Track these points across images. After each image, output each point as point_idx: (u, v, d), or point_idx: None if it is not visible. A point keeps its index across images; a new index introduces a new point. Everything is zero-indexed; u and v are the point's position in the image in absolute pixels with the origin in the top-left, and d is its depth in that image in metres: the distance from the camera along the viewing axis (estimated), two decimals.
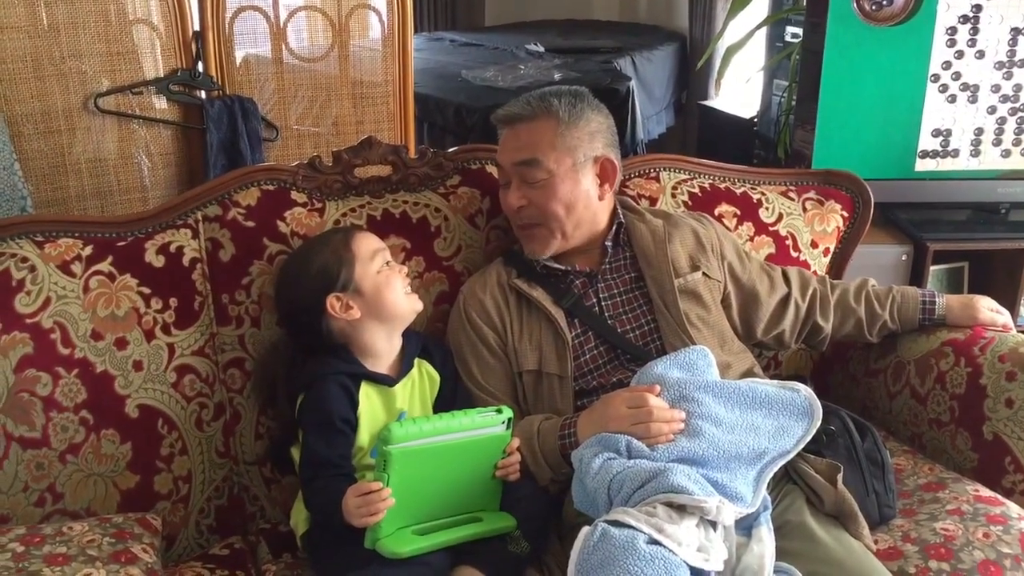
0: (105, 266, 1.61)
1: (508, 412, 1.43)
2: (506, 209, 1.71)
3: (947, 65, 2.45)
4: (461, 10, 6.16)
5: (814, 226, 2.00)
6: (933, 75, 2.45)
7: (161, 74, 2.57)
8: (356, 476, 1.48)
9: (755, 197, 1.98)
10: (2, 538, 1.38)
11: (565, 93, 1.69)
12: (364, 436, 1.51)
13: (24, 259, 1.57)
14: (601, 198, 1.70)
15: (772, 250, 1.95)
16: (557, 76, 4.27)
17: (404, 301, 1.58)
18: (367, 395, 1.53)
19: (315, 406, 1.50)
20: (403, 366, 1.59)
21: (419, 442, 1.35)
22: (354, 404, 1.51)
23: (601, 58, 4.66)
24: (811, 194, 2.03)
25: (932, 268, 2.55)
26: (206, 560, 1.61)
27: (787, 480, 1.50)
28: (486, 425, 1.41)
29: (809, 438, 1.46)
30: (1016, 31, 2.43)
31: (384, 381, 1.55)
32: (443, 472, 1.40)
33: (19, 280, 1.55)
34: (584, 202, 1.67)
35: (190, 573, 1.56)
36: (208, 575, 1.56)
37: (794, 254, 1.97)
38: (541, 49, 4.91)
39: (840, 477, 1.44)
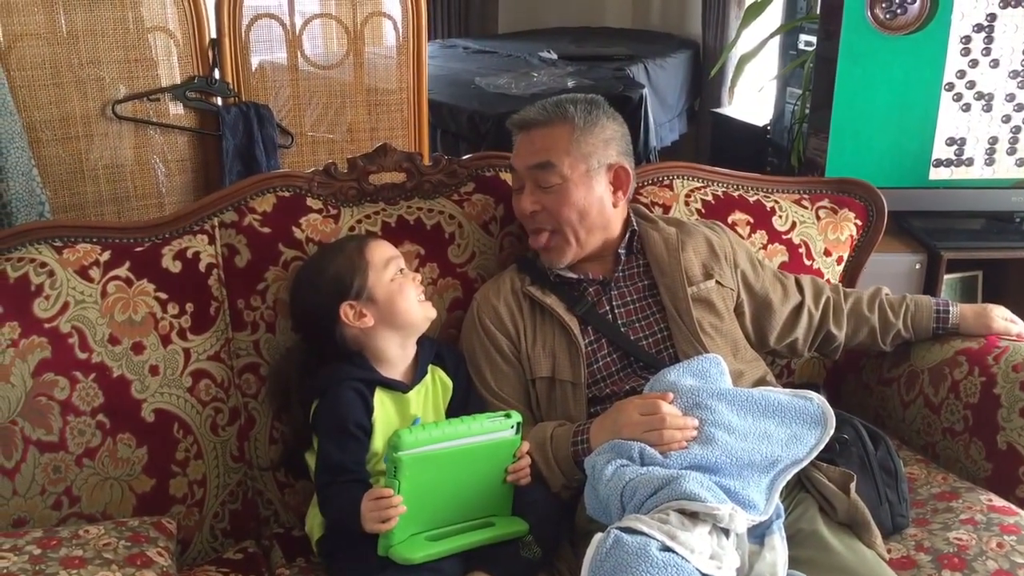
0: (122, 271, 1.63)
1: (517, 416, 1.43)
2: (519, 214, 1.72)
3: (961, 74, 2.45)
4: (474, 17, 6.18)
5: (827, 234, 2.00)
6: (947, 84, 2.45)
7: (178, 81, 2.59)
8: (371, 482, 1.49)
9: (768, 205, 1.99)
10: (19, 540, 1.39)
11: (581, 100, 1.70)
12: (378, 442, 1.52)
13: (43, 264, 1.59)
14: (615, 205, 1.71)
15: (785, 258, 1.95)
16: (570, 83, 4.28)
17: (417, 309, 1.59)
18: (381, 401, 1.54)
19: (330, 411, 1.50)
20: (417, 373, 1.60)
21: (429, 448, 1.36)
22: (369, 410, 1.52)
23: (614, 65, 4.67)
24: (825, 202, 2.03)
25: (946, 277, 2.55)
26: (220, 564, 1.62)
27: (800, 488, 1.50)
28: (496, 430, 1.42)
29: (822, 446, 1.46)
30: None
31: (398, 387, 1.56)
32: (454, 477, 1.41)
33: (38, 285, 1.57)
34: (597, 208, 1.68)
35: None
36: None
37: (807, 262, 1.97)
38: (554, 56, 4.92)
39: (853, 486, 1.44)
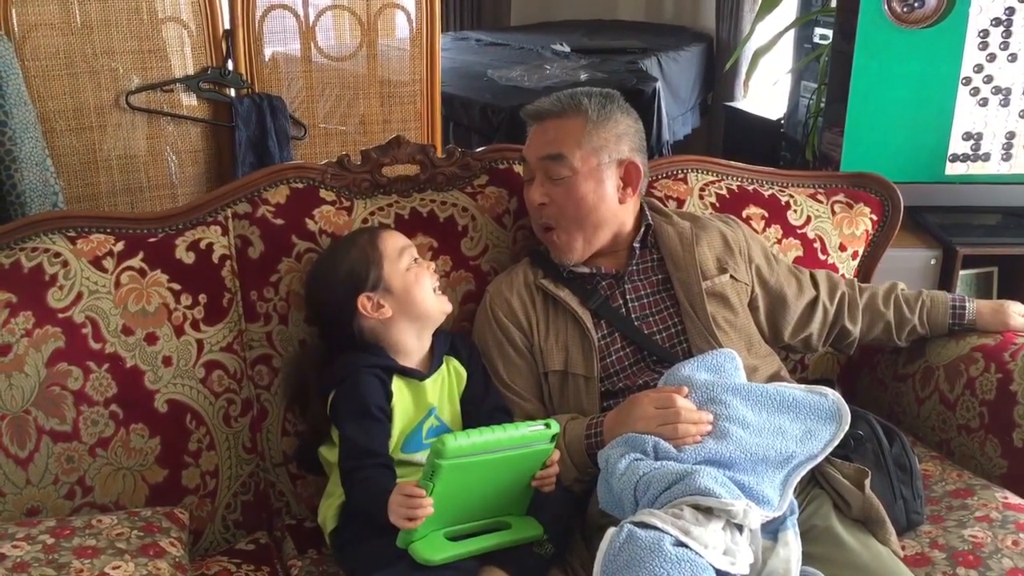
0: (136, 262, 1.63)
1: (556, 428, 1.41)
2: (528, 205, 1.72)
3: (979, 68, 2.43)
4: (487, 10, 6.16)
5: (842, 229, 1.99)
6: (964, 78, 2.43)
7: (191, 72, 2.60)
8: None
9: (783, 199, 1.97)
10: (33, 530, 1.39)
11: (596, 94, 1.69)
12: (395, 430, 1.52)
13: (57, 254, 1.59)
14: (622, 201, 1.69)
15: (800, 253, 1.94)
16: (583, 76, 4.27)
17: (433, 299, 1.59)
18: (398, 388, 1.54)
19: (351, 396, 1.50)
20: (433, 363, 1.60)
21: (470, 456, 1.35)
22: (388, 394, 1.52)
23: (627, 59, 4.65)
24: (840, 197, 2.02)
25: (961, 273, 2.53)
26: (232, 555, 1.62)
27: (814, 484, 1.49)
28: (535, 440, 1.40)
29: (837, 442, 1.45)
30: None
31: (415, 375, 1.56)
32: (484, 482, 1.40)
33: (52, 275, 1.57)
34: (605, 204, 1.67)
35: (216, 567, 1.57)
36: (234, 569, 1.57)
37: (822, 257, 1.96)
38: (567, 49, 4.91)
39: (868, 482, 1.43)
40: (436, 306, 1.60)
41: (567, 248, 1.68)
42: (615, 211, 1.69)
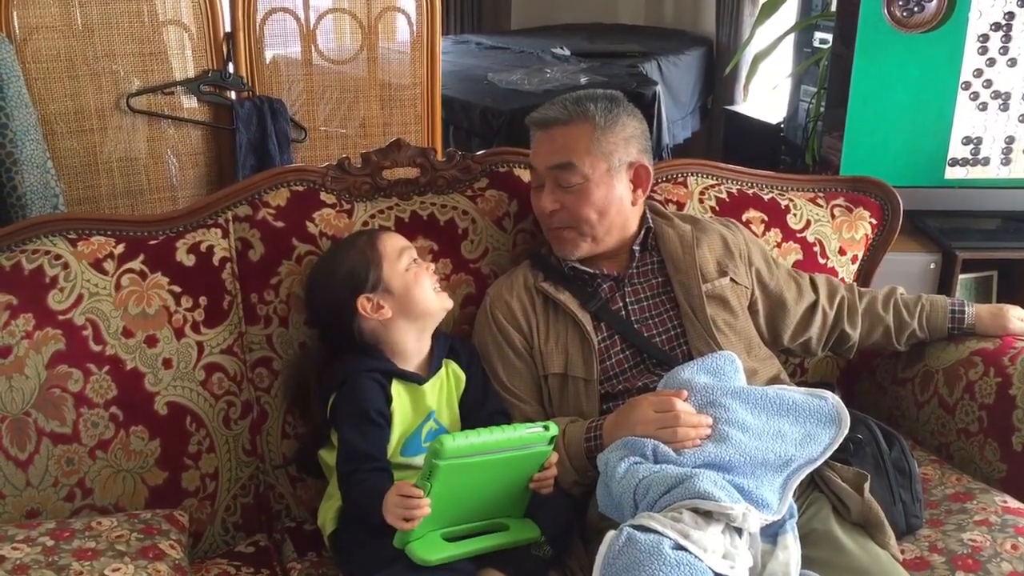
0: (137, 264, 1.63)
1: (554, 430, 1.41)
2: (538, 212, 1.71)
3: (978, 73, 2.43)
4: (487, 13, 6.17)
5: (842, 233, 1.99)
6: (964, 82, 2.44)
7: (192, 74, 2.60)
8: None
9: (783, 203, 1.98)
10: (32, 532, 1.39)
11: (601, 97, 1.68)
12: (395, 434, 1.52)
13: (57, 256, 1.59)
14: (634, 203, 1.70)
15: (800, 257, 1.94)
16: (583, 80, 4.28)
17: (433, 298, 1.59)
18: (397, 392, 1.55)
19: (350, 399, 1.50)
20: (432, 366, 1.60)
21: (468, 457, 1.35)
22: (387, 399, 1.52)
23: (627, 62, 4.66)
24: (839, 201, 2.02)
25: (961, 277, 2.53)
26: (232, 557, 1.63)
27: (813, 488, 1.49)
28: (533, 442, 1.40)
29: (836, 446, 1.45)
30: None
31: (414, 379, 1.56)
32: (481, 483, 1.40)
33: (52, 277, 1.57)
34: (617, 207, 1.67)
35: (216, 570, 1.57)
36: (234, 572, 1.57)
37: (822, 261, 1.96)
38: (567, 53, 4.92)
39: (867, 486, 1.44)
40: (436, 303, 1.60)
41: (574, 245, 1.68)
42: (626, 214, 1.69)
